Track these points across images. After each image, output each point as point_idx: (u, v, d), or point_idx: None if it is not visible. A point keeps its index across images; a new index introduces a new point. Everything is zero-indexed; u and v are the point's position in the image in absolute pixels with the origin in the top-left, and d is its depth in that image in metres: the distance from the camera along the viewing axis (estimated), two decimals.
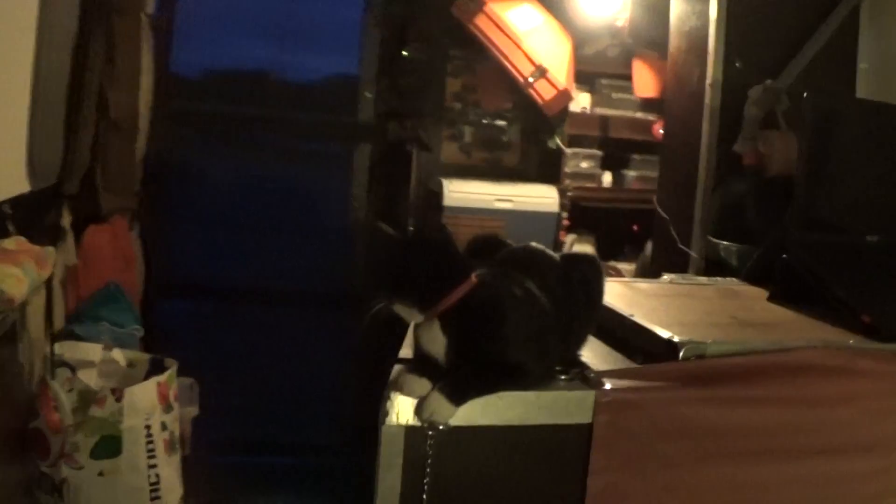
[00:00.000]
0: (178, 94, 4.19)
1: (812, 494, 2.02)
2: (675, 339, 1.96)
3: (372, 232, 4.21)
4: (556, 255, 2.01)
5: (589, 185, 4.55)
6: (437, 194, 4.17)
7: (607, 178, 4.63)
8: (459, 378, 1.72)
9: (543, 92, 4.09)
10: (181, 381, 2.94)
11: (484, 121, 4.47)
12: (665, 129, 3.77)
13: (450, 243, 1.75)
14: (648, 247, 4.09)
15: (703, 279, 2.87)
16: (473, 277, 1.73)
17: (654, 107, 4.52)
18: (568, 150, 4.43)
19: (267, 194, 4.44)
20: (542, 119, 4.33)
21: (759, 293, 2.66)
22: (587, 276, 2.00)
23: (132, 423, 2.41)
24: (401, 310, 1.71)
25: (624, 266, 4.46)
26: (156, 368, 2.64)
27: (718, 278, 2.86)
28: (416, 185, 4.30)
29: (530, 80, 4.06)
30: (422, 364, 1.75)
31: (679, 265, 3.27)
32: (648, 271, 3.86)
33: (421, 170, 4.32)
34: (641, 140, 4.58)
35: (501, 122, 4.49)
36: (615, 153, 4.63)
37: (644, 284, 2.75)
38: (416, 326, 1.75)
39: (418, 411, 1.70)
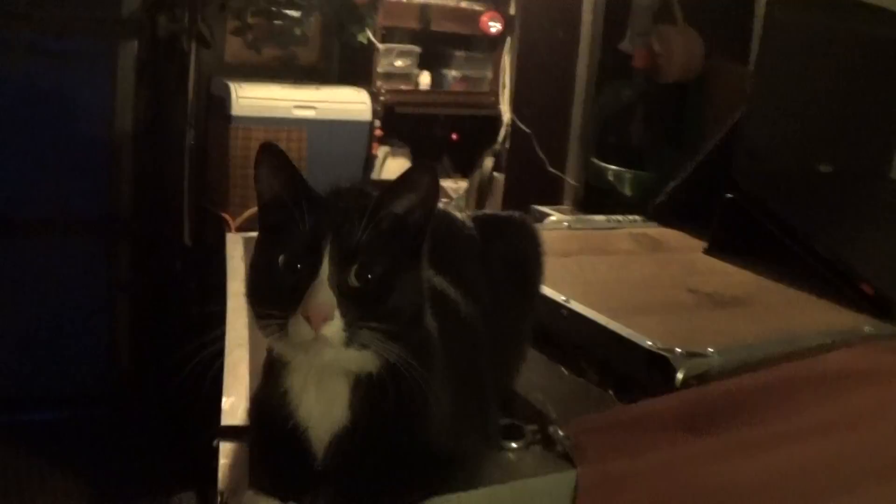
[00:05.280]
0: None
1: None
2: (664, 350, 1.26)
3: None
4: (466, 219, 1.25)
5: (404, 86, 4.01)
6: (223, 100, 3.52)
7: (425, 79, 4.07)
8: (364, 489, 0.92)
9: None
10: None
11: (273, 9, 3.77)
12: (522, 18, 3.09)
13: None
14: (488, 162, 3.43)
15: (601, 219, 2.20)
16: None
17: None
18: (381, 46, 3.84)
19: (9, 103, 3.61)
20: (348, 7, 3.75)
21: (686, 241, 2.05)
22: (518, 253, 1.26)
23: None
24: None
25: (448, 184, 3.80)
26: None
27: (619, 217, 2.21)
28: (195, 89, 3.62)
29: None
30: (275, 456, 0.96)
31: (546, 192, 2.61)
32: (493, 196, 3.22)
33: (201, 70, 3.64)
34: (467, 34, 4.05)
35: (294, 13, 3.80)
36: (435, 49, 4.09)
37: None
38: (292, 373, 0.95)
39: None
